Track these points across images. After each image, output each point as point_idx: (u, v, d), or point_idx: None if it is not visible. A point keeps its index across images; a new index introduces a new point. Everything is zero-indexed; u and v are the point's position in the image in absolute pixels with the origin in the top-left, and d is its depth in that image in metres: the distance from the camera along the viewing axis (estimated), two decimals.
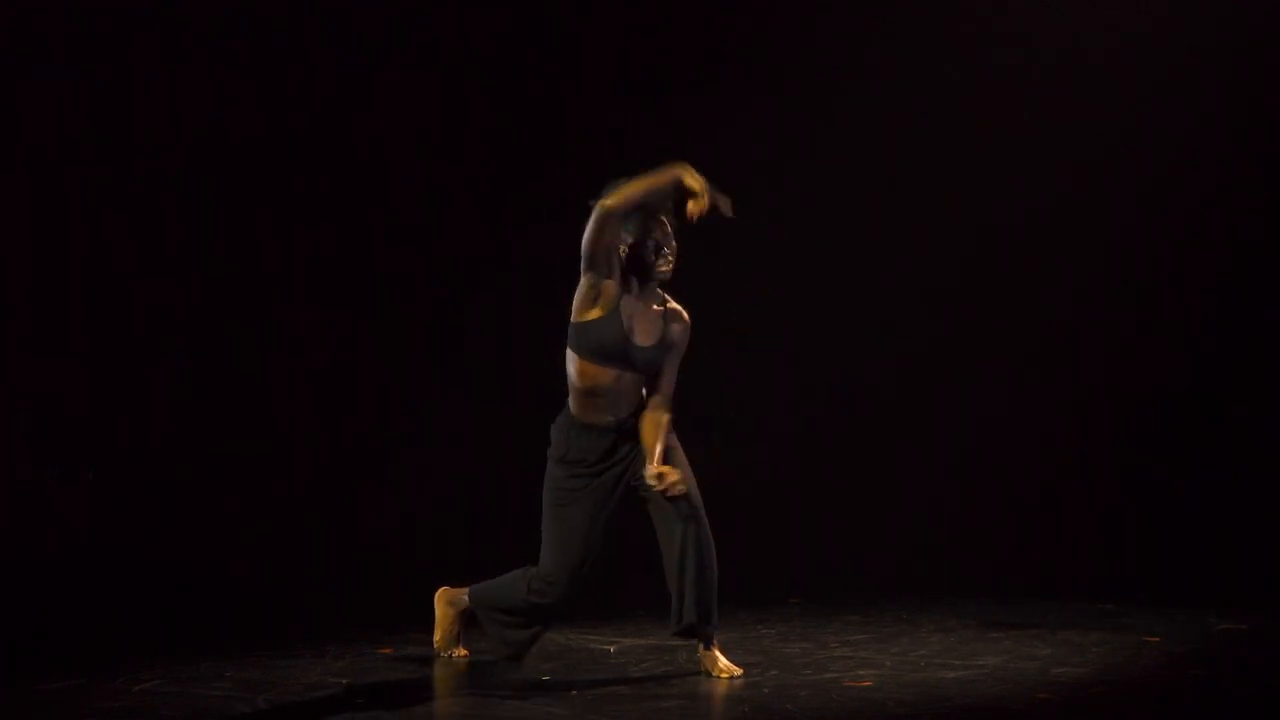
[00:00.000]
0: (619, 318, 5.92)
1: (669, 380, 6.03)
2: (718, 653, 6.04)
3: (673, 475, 5.90)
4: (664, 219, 5.97)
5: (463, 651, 6.31)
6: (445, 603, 6.35)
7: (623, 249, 5.93)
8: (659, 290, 6.03)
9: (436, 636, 6.34)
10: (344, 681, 5.90)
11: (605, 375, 5.93)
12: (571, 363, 5.97)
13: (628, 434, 6.02)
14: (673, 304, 6.06)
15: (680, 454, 6.04)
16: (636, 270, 5.96)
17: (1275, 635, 6.86)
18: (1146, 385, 8.75)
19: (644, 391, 6.02)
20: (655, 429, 5.96)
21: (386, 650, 6.48)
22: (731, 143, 8.67)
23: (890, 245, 8.83)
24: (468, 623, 6.31)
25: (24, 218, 7.81)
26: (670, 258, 5.98)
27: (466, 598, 6.29)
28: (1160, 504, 8.64)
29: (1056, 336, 8.83)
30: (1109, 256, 8.77)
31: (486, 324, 8.54)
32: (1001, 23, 8.75)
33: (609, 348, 5.91)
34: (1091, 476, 8.75)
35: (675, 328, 6.03)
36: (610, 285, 5.91)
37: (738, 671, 5.97)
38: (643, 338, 5.96)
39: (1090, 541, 8.62)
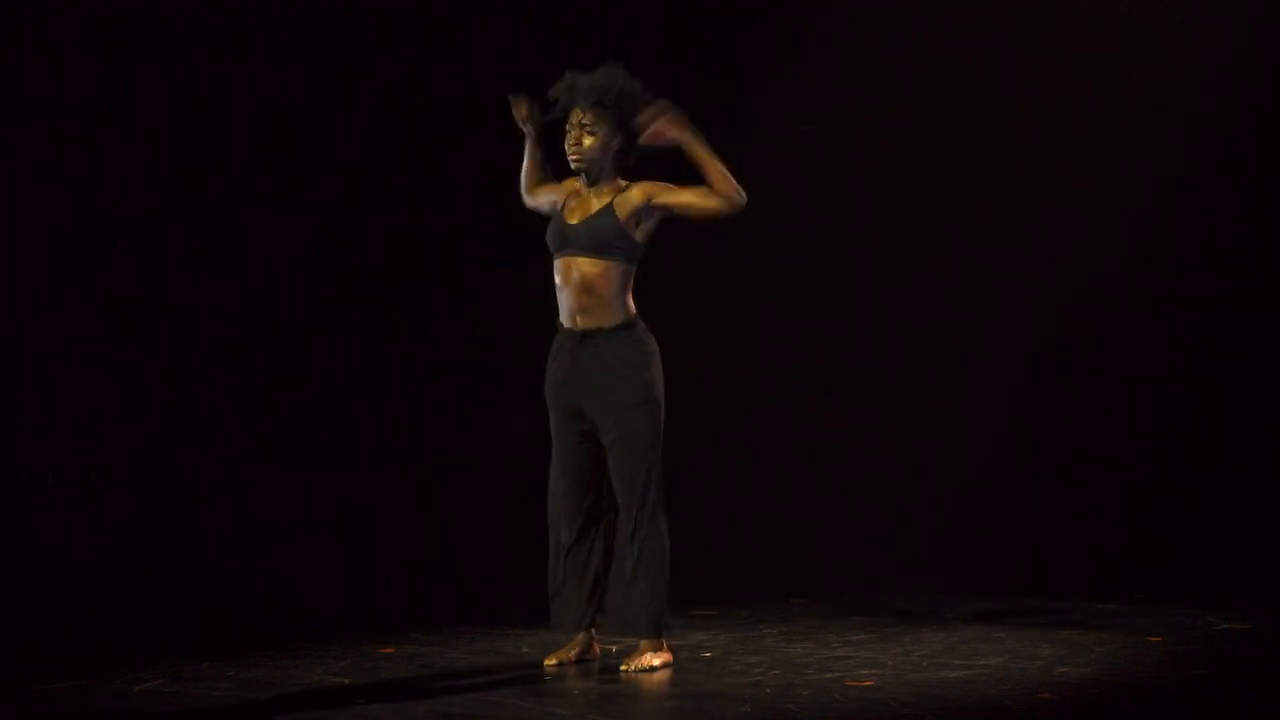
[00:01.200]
0: (562, 205, 6.17)
1: (693, 189, 6.06)
2: (646, 647, 6.11)
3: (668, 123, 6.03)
4: (578, 110, 6.10)
5: (553, 660, 6.25)
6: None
7: None
8: (618, 181, 6.12)
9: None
10: (346, 681, 5.90)
11: (557, 265, 6.12)
12: None
13: (587, 363, 6.06)
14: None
15: (642, 376, 6.07)
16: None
17: (1278, 635, 6.85)
18: (1150, 385, 8.76)
19: (603, 299, 6.04)
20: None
21: (388, 650, 6.48)
22: (735, 143, 8.68)
23: (894, 247, 8.83)
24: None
25: (27, 220, 7.80)
26: (572, 144, 6.10)
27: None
28: (1162, 503, 8.64)
29: (1060, 336, 8.83)
30: (1110, 262, 8.76)
31: (490, 325, 8.52)
32: (1008, 20, 8.75)
33: (551, 234, 6.14)
34: (1094, 476, 8.75)
35: (634, 190, 6.09)
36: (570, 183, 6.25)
37: (628, 667, 6.04)
38: (574, 216, 6.10)
39: (1093, 541, 8.62)
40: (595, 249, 6.04)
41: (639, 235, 6.07)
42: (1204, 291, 8.70)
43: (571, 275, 6.07)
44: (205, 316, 8.06)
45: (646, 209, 6.05)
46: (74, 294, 7.84)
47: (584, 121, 6.10)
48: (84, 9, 7.82)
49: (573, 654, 6.22)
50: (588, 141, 6.09)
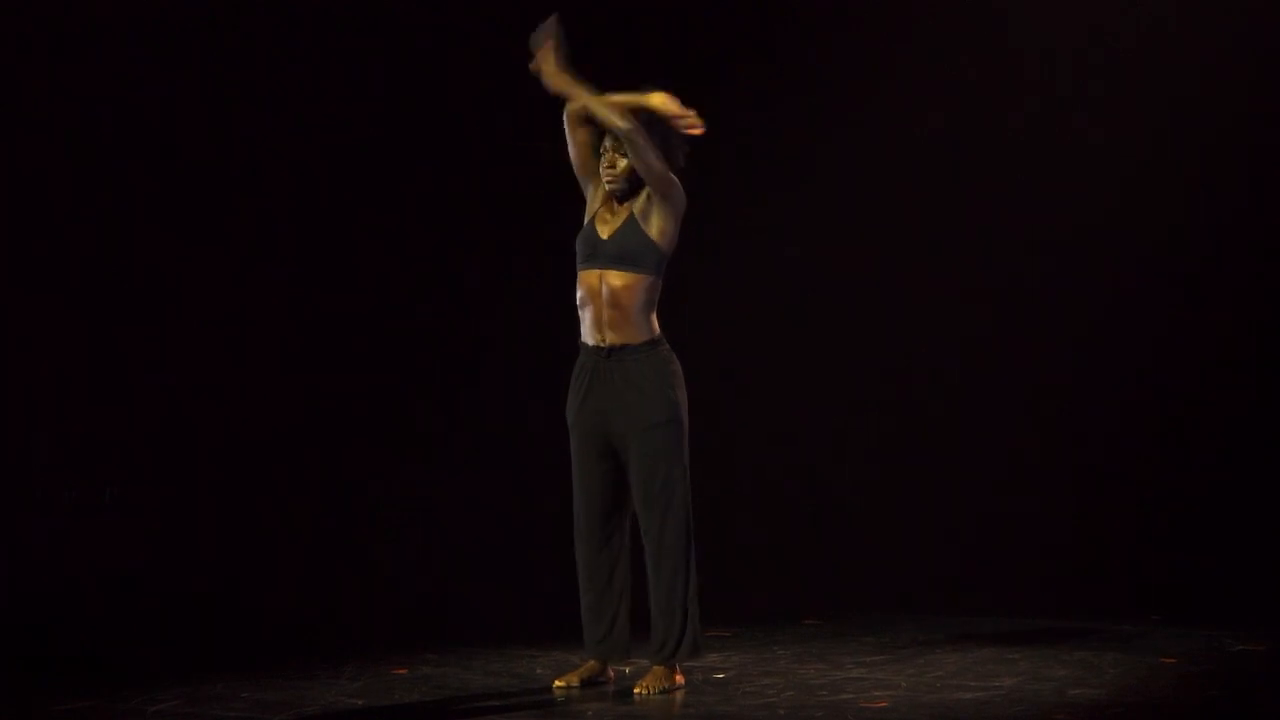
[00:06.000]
0: (592, 217, 6.17)
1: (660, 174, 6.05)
2: (660, 671, 6.09)
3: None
4: (610, 134, 6.11)
5: (562, 683, 6.23)
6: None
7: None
8: (645, 192, 6.14)
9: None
10: (360, 702, 5.91)
11: (584, 277, 6.10)
12: None
13: (613, 380, 6.07)
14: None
15: (666, 433, 6.06)
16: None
17: None
18: (1166, 406, 8.75)
19: (629, 313, 6.05)
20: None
21: (402, 671, 6.49)
22: (749, 144, 8.69)
23: (906, 266, 8.83)
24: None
25: (37, 236, 7.84)
26: (610, 168, 6.12)
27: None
28: (1177, 525, 8.63)
29: (1075, 357, 8.82)
30: (1128, 280, 8.76)
31: (505, 345, 8.53)
32: (1022, 30, 8.77)
33: (581, 243, 6.13)
34: (1109, 498, 8.74)
35: (654, 197, 6.09)
36: (599, 193, 6.21)
37: (641, 690, 6.02)
38: (605, 231, 6.11)
39: (1107, 562, 8.61)
40: (623, 260, 6.07)
41: (661, 239, 6.09)
42: (1224, 312, 8.70)
43: (599, 288, 6.09)
44: (213, 335, 8.07)
45: (649, 202, 6.09)
46: (87, 312, 7.86)
47: (616, 145, 6.13)
48: (83, 9, 7.85)
49: (585, 676, 6.21)
50: (622, 164, 6.12)
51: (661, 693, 6.04)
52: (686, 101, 6.19)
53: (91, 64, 7.88)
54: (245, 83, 8.12)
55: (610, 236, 6.11)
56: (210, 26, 8.08)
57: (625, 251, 6.07)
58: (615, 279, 6.08)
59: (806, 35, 8.87)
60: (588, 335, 6.15)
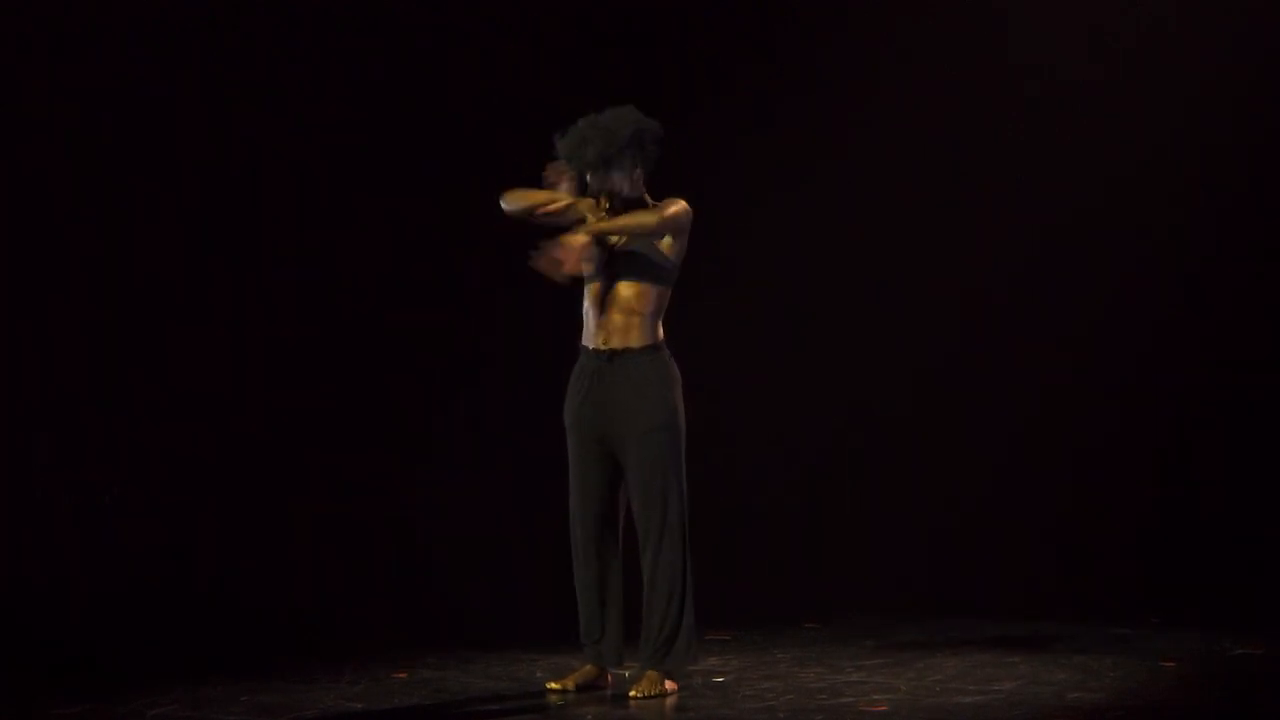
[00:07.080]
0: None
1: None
2: (653, 675, 6.09)
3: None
4: (585, 172, 6.13)
5: (557, 686, 6.25)
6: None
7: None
8: (644, 199, 6.19)
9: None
10: (360, 706, 5.92)
11: (593, 289, 6.14)
12: None
13: (612, 383, 6.07)
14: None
15: (663, 437, 6.07)
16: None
17: None
18: (1164, 407, 8.75)
19: (638, 320, 6.08)
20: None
21: (402, 675, 6.49)
22: (750, 144, 8.68)
23: (906, 270, 8.83)
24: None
25: (37, 236, 7.84)
26: (606, 207, 6.12)
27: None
28: (1177, 527, 8.63)
29: (1074, 359, 8.82)
30: (1124, 282, 8.76)
31: (505, 349, 8.52)
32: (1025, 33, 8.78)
33: (590, 254, 6.10)
34: (1108, 500, 8.74)
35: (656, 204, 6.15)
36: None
37: (637, 694, 6.03)
38: (615, 241, 6.13)
39: (1106, 565, 8.61)
40: (634, 270, 6.08)
41: (669, 251, 6.10)
42: (1224, 312, 8.70)
43: (608, 297, 6.10)
44: (213, 334, 8.07)
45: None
46: (90, 315, 7.87)
47: (606, 186, 6.13)
48: (83, 9, 7.85)
49: (581, 680, 6.21)
50: (618, 189, 6.12)
51: (654, 697, 6.04)
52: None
53: (91, 64, 7.87)
54: (245, 83, 8.12)
55: (619, 246, 6.11)
56: (210, 26, 8.07)
57: (635, 261, 6.08)
58: (626, 289, 6.10)
59: (806, 35, 8.87)
60: (590, 339, 6.16)
